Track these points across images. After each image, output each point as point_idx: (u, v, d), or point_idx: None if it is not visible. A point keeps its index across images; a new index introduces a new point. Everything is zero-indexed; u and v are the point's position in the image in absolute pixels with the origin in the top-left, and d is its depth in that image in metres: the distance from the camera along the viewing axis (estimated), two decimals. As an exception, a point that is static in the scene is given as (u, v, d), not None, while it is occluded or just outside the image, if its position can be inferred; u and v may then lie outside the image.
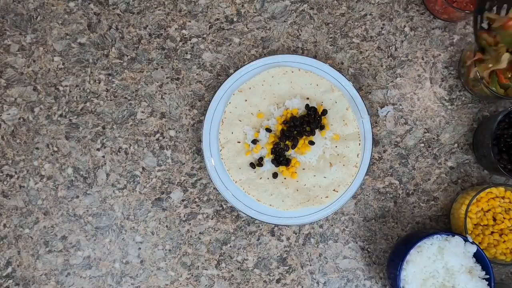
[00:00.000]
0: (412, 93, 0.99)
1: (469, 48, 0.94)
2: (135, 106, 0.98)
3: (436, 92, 0.99)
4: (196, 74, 0.99)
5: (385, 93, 0.99)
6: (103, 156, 0.97)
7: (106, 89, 0.98)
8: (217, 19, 1.00)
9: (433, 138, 0.99)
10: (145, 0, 1.00)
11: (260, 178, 0.94)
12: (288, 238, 0.96)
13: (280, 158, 0.92)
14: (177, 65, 0.99)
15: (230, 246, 0.96)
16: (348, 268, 0.96)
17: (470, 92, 0.98)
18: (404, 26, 1.01)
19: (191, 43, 0.99)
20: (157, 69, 0.99)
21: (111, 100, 0.98)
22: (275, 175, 0.93)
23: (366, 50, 1.00)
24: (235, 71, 0.95)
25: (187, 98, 0.98)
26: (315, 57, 0.99)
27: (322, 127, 0.93)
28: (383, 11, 1.01)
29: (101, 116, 0.98)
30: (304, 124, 0.93)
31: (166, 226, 0.96)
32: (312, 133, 0.93)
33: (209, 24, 1.00)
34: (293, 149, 0.93)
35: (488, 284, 0.84)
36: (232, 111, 0.94)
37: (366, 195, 0.97)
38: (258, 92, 0.95)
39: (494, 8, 0.87)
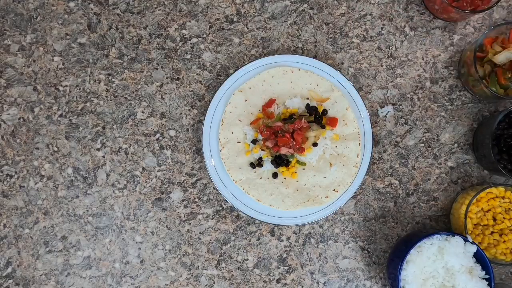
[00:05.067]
0: (412, 93, 0.99)
1: (469, 48, 0.94)
2: (135, 106, 0.98)
3: (436, 92, 0.99)
4: (196, 74, 0.99)
5: (385, 93, 0.99)
6: (103, 156, 0.97)
7: (106, 89, 0.98)
8: (217, 19, 1.00)
9: (433, 138, 0.99)
10: (145, 0, 1.00)
11: (260, 178, 0.94)
12: (288, 238, 0.96)
13: (280, 159, 0.92)
14: (177, 65, 0.99)
15: (230, 246, 0.96)
16: (348, 268, 0.96)
17: (470, 92, 0.98)
18: (404, 26, 1.00)
19: (191, 43, 0.99)
20: (157, 69, 0.99)
21: (111, 100, 0.98)
22: (275, 175, 0.93)
23: (366, 50, 1.00)
24: (235, 71, 0.95)
25: (187, 98, 0.98)
26: (315, 57, 0.99)
27: (323, 127, 0.93)
28: (383, 11, 1.01)
29: (101, 116, 0.98)
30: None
31: (166, 226, 0.96)
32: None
33: (209, 24, 1.00)
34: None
35: (488, 284, 0.84)
36: (232, 111, 0.94)
37: (366, 195, 0.97)
38: (258, 92, 0.95)
39: None
